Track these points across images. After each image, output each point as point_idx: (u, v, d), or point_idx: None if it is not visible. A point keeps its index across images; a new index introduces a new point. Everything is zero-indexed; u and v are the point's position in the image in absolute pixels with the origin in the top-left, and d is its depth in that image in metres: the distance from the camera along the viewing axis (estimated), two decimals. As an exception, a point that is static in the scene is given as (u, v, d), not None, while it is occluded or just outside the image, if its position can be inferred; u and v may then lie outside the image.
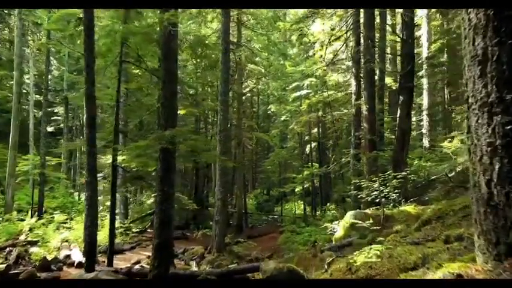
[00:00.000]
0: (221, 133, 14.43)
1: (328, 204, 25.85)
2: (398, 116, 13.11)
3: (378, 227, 8.93)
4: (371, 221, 9.05)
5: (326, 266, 5.48)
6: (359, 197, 10.38)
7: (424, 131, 22.26)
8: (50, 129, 27.42)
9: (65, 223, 17.22)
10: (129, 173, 9.33)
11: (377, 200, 9.33)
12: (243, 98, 27.72)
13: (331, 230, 10.36)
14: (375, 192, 9.35)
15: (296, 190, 23.71)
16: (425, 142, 22.37)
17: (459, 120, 20.07)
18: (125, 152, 9.40)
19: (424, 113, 22.22)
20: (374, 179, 9.15)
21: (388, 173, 8.89)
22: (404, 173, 9.09)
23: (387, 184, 9.20)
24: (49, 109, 28.97)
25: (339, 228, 9.63)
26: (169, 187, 7.50)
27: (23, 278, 9.35)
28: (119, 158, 8.95)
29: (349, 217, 9.36)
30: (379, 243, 6.46)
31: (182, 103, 14.34)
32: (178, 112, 11.34)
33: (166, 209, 7.40)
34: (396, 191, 9.27)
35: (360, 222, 9.14)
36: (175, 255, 13.83)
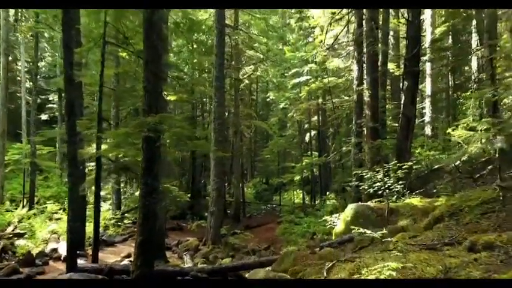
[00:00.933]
0: (216, 121, 13.66)
1: (327, 193, 25.22)
2: (402, 102, 12.30)
3: (381, 220, 8.25)
4: (374, 215, 8.36)
5: (325, 273, 4.76)
6: (361, 188, 9.65)
7: (426, 118, 21.44)
8: (44, 117, 26.61)
9: (57, 213, 16.56)
10: (114, 163, 8.57)
11: (380, 192, 8.61)
12: (241, 85, 26.86)
13: (330, 223, 9.65)
14: (378, 184, 8.61)
15: (295, 179, 23.01)
16: (428, 130, 21.59)
17: (464, 108, 19.26)
18: (104, 141, 8.64)
19: (427, 100, 21.37)
20: (377, 169, 8.39)
21: (393, 163, 8.13)
22: (410, 163, 8.33)
23: (391, 175, 8.44)
24: (43, 96, 28.14)
25: (339, 222, 8.93)
26: (154, 179, 6.75)
27: (3, 273, 8.70)
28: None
29: (350, 210, 8.65)
30: (379, 243, 5.77)
31: (176, 90, 13.51)
32: (168, 98, 10.55)
33: (150, 204, 6.67)
34: (400, 182, 8.53)
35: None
36: (168, 248, 13.21)
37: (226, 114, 23.05)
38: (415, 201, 8.59)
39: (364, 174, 9.04)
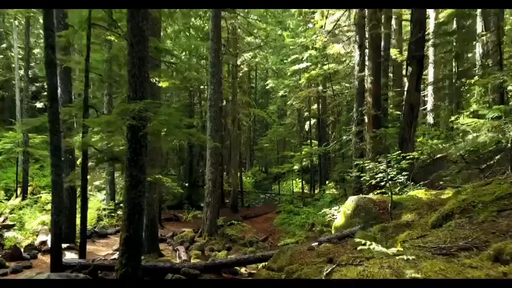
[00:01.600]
0: (212, 108, 13.07)
1: (327, 182, 24.77)
2: (406, 89, 11.68)
3: (383, 214, 7.73)
4: (377, 208, 7.84)
5: (323, 278, 4.25)
6: (362, 179, 9.11)
7: (428, 106, 20.81)
8: (39, 105, 25.97)
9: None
10: (101, 154, 8.02)
11: (382, 183, 8.08)
12: (240, 73, 26.16)
13: (330, 216, 9.14)
14: (380, 175, 8.08)
15: (294, 168, 22.52)
16: (430, 118, 20.98)
17: (468, 95, 18.61)
18: (93, 131, 8.06)
19: (429, 87, 20.71)
20: (380, 159, 7.84)
21: (397, 153, 7.57)
22: (414, 153, 7.77)
23: (394, 165, 7.88)
24: (38, 84, 27.49)
25: (339, 215, 8.42)
26: (139, 171, 6.20)
27: (-13, 269, 8.25)
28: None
29: (350, 203, 8.13)
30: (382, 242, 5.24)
31: (169, 76, 12.86)
32: (160, 85, 9.94)
33: (135, 197, 6.14)
34: (404, 173, 8.00)
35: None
36: (163, 240, 12.76)
37: (224, 102, 22.45)
38: (420, 193, 8.06)
39: (365, 164, 8.50)
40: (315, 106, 23.49)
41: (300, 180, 23.92)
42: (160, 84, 9.87)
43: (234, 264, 7.67)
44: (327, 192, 18.74)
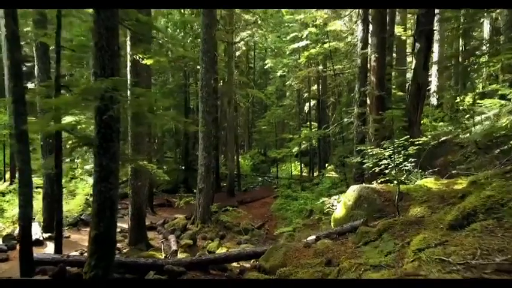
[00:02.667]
0: (204, 89, 12.09)
1: (326, 165, 23.94)
2: (413, 67, 10.69)
3: (389, 206, 6.89)
4: (381, 199, 7.00)
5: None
6: (364, 166, 8.24)
7: (432, 87, 19.74)
8: (31, 85, 24.89)
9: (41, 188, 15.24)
10: (75, 138, 7.11)
11: (386, 171, 7.22)
12: (238, 52, 24.96)
13: (329, 207, 8.31)
14: (385, 161, 7.21)
15: (294, 150, 21.66)
16: (433, 100, 19.96)
17: (476, 75, 17.54)
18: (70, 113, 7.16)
19: (434, 67, 19.60)
20: (385, 145, 6.94)
21: (405, 137, 6.67)
22: (424, 138, 6.86)
23: (400, 151, 6.99)
24: (29, 64, 26.31)
25: (339, 206, 7.59)
26: (111, 160, 5.33)
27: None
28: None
29: (352, 193, 7.28)
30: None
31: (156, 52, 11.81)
32: (144, 62, 8.95)
33: (106, 190, 5.28)
34: (411, 159, 7.11)
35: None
36: (153, 228, 12.02)
37: (221, 82, 21.41)
38: (429, 182, 7.21)
39: (369, 150, 7.61)
40: (314, 87, 22.42)
41: (299, 163, 23.11)
42: (144, 62, 8.87)
43: (223, 261, 6.89)
44: (326, 175, 17.96)
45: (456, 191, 6.17)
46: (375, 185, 7.32)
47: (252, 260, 7.05)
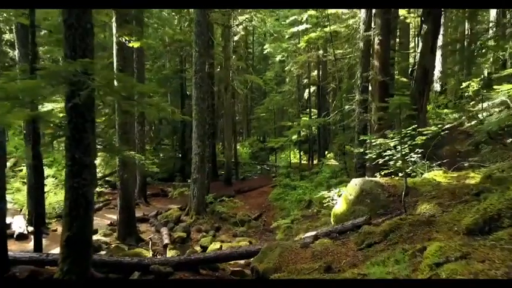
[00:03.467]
0: (197, 74, 11.39)
1: (326, 152, 23.34)
2: (419, 50, 9.97)
3: (394, 202, 6.30)
4: (385, 194, 6.40)
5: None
6: (367, 157, 7.61)
7: (436, 72, 18.95)
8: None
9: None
10: (56, 127, 6.47)
11: (391, 163, 6.61)
12: (235, 37, 24.05)
13: (329, 200, 7.73)
14: (389, 152, 6.59)
15: (293, 138, 21.05)
16: (437, 86, 19.22)
17: (484, 60, 16.75)
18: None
19: (438, 51, 18.74)
20: (391, 134, 6.30)
21: (413, 126, 6.03)
22: (434, 128, 6.21)
23: (407, 142, 6.36)
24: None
25: (339, 200, 7.00)
26: (84, 153, 4.72)
27: None
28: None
29: (354, 187, 6.68)
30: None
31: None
32: (131, 45, 8.24)
33: (79, 187, 4.69)
34: (417, 150, 6.49)
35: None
36: (145, 220, 11.49)
37: (219, 68, 20.62)
38: (438, 176, 6.60)
39: (372, 140, 6.99)
40: (314, 72, 21.64)
41: (298, 150, 22.49)
42: (131, 45, 8.17)
43: (213, 261, 6.34)
44: (326, 163, 17.37)
45: (469, 186, 5.57)
46: (378, 178, 6.71)
47: (244, 261, 6.51)
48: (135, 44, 8.15)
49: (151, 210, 12.59)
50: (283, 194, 14.73)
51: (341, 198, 6.96)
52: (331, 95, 22.34)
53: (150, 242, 8.12)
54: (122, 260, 6.32)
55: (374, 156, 7.06)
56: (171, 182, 18.66)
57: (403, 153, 6.24)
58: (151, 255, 7.04)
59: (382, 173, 7.31)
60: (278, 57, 21.44)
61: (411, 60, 17.91)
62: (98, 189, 12.57)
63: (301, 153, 22.61)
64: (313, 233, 6.97)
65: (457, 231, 3.99)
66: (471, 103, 16.48)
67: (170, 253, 7.11)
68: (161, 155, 21.62)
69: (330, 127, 19.94)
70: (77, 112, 4.69)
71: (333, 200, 7.66)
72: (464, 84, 16.55)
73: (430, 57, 9.72)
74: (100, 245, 8.47)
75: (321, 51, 18.74)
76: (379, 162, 6.99)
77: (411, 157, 6.64)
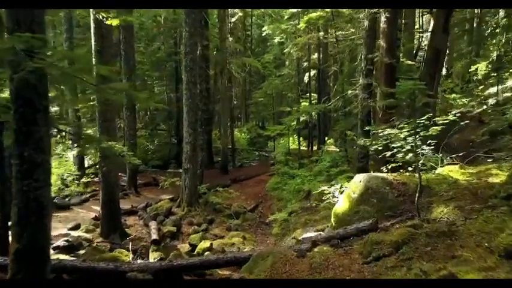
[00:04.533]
0: (188, 56, 10.41)
1: (326, 138, 22.46)
2: (430, 29, 8.99)
3: (404, 202, 5.46)
4: (394, 193, 5.56)
5: None
6: (372, 148, 6.74)
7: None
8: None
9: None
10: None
11: (399, 155, 5.76)
12: (233, 18, 22.86)
13: (329, 197, 6.90)
14: (398, 144, 5.73)
15: (292, 124, 20.15)
16: (443, 69, 18.16)
17: (495, 41, 15.69)
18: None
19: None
20: (402, 124, 5.42)
21: (428, 115, 5.15)
22: (451, 117, 5.31)
23: (419, 132, 5.50)
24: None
25: (341, 198, 6.17)
26: (35, 150, 3.87)
27: None
28: None
29: (358, 183, 5.84)
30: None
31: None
32: (109, 23, 7.26)
33: (30, 190, 3.86)
34: (429, 142, 5.62)
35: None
36: (134, 212, 10.73)
37: (216, 50, 19.54)
38: (454, 171, 5.75)
39: (378, 130, 6.12)
40: (315, 55, 20.55)
41: (297, 136, 21.59)
42: (109, 22, 7.19)
43: (197, 268, 5.56)
44: (326, 150, 16.54)
45: (493, 187, 4.74)
46: (385, 173, 5.86)
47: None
48: (114, 22, 7.18)
49: (142, 201, 11.82)
50: (281, 184, 13.94)
51: (343, 196, 6.13)
52: (331, 79, 21.32)
53: (131, 244, 7.31)
54: (95, 266, 5.55)
55: (380, 148, 6.21)
56: (166, 170, 17.88)
57: (415, 144, 5.40)
58: (131, 258, 6.29)
59: (389, 167, 6.46)
60: (277, 39, 20.31)
61: (416, 43, 16.86)
62: (84, 179, 11.74)
63: (301, 139, 21.75)
64: (312, 234, 6.20)
65: (490, 250, 3.17)
66: (480, 87, 15.53)
67: (153, 255, 6.36)
68: (156, 141, 20.79)
69: (331, 114, 18.98)
70: (25, 100, 3.81)
71: (334, 197, 6.84)
72: (473, 67, 15.57)
73: (442, 36, 8.73)
74: (81, 242, 7.73)
75: (321, 33, 17.62)
76: (387, 155, 6.16)
77: (422, 149, 5.78)
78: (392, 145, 5.82)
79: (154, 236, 8.87)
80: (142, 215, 10.39)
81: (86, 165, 15.02)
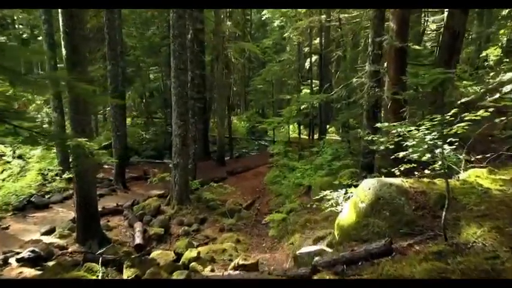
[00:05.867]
0: (176, 40, 9.31)
1: (328, 126, 21.40)
2: (447, 9, 7.83)
3: (424, 216, 4.47)
4: (412, 205, 4.55)
5: None
6: (382, 147, 5.68)
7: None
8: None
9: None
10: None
11: (415, 156, 4.75)
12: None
13: (331, 205, 5.89)
14: (413, 142, 4.71)
15: (291, 115, 19.03)
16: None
17: (509, 24, 14.41)
18: None
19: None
20: (422, 121, 4.37)
21: (454, 111, 4.09)
22: (484, 112, 4.24)
23: (443, 130, 4.47)
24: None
25: (347, 207, 5.17)
26: None
27: None
28: None
29: (367, 191, 4.84)
30: None
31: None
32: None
33: None
34: (451, 140, 4.59)
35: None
36: (119, 211, 9.79)
37: (212, 36, 18.31)
38: (482, 177, 4.72)
39: (391, 127, 5.07)
40: (317, 40, 19.31)
41: (297, 124, 20.52)
42: None
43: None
44: (327, 143, 15.48)
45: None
46: (399, 179, 4.83)
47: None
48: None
49: (130, 198, 10.89)
50: (280, 177, 12.98)
51: (349, 204, 5.13)
52: (333, 65, 20.10)
53: (109, 253, 6.35)
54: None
55: (392, 147, 5.18)
56: (161, 160, 16.93)
57: (438, 144, 4.39)
58: (100, 275, 5.34)
59: (402, 168, 5.43)
60: (276, 22, 19.01)
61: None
62: (66, 174, 10.77)
63: (302, 128, 20.69)
64: (312, 248, 5.23)
65: None
66: (491, 74, 14.35)
67: (127, 273, 5.40)
68: (150, 130, 19.77)
69: (333, 105, 17.84)
70: None
71: (338, 204, 5.82)
72: (484, 53, 14.37)
73: (461, 17, 7.58)
74: (52, 251, 6.81)
75: (323, 16, 16.37)
76: (399, 156, 5.14)
77: (443, 149, 4.75)
78: (406, 143, 4.80)
79: (138, 240, 7.98)
80: (127, 214, 9.45)
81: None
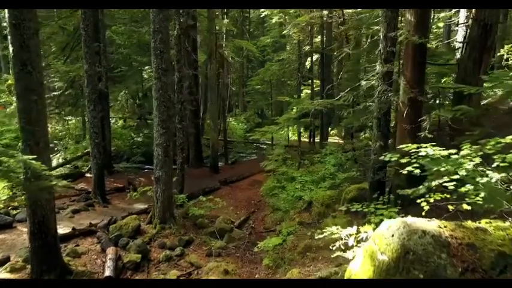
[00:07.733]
0: (156, 35, 8.00)
1: (330, 129, 20.12)
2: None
3: None
4: (453, 264, 3.20)
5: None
6: (401, 172, 4.31)
7: (459, 37, 15.21)
8: None
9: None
10: None
11: (451, 186, 3.48)
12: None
13: (338, 248, 4.54)
14: (448, 168, 3.45)
15: (292, 112, 17.66)
16: (457, 52, 15.49)
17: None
18: None
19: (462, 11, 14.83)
20: (462, 146, 3.05)
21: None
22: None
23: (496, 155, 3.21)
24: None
25: (360, 259, 3.80)
26: None
27: None
28: None
29: (387, 237, 3.47)
30: None
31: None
32: None
33: None
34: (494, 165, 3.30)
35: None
36: (92, 232, 8.46)
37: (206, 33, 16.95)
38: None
39: (421, 151, 3.76)
40: (318, 38, 17.96)
41: (297, 126, 19.17)
42: None
43: None
44: (329, 142, 14.15)
45: None
46: (436, 225, 3.48)
47: None
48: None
49: (108, 214, 9.57)
50: (278, 187, 11.64)
51: (363, 253, 3.78)
52: (335, 64, 18.72)
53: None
54: None
55: (415, 171, 3.89)
56: (151, 166, 15.58)
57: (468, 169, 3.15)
58: None
59: (431, 200, 4.09)
60: (275, 19, 17.65)
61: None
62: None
63: (302, 130, 19.35)
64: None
65: None
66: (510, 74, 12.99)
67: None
68: (141, 134, 18.45)
69: (338, 112, 16.50)
70: None
71: (347, 248, 4.41)
72: (506, 47, 13.00)
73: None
74: (-4, 291, 5.49)
75: (325, 11, 15.00)
76: (421, 191, 3.89)
77: (485, 176, 3.44)
78: (442, 168, 3.53)
79: (108, 272, 6.69)
80: (101, 236, 8.12)
81: (54, 164, 12.80)
